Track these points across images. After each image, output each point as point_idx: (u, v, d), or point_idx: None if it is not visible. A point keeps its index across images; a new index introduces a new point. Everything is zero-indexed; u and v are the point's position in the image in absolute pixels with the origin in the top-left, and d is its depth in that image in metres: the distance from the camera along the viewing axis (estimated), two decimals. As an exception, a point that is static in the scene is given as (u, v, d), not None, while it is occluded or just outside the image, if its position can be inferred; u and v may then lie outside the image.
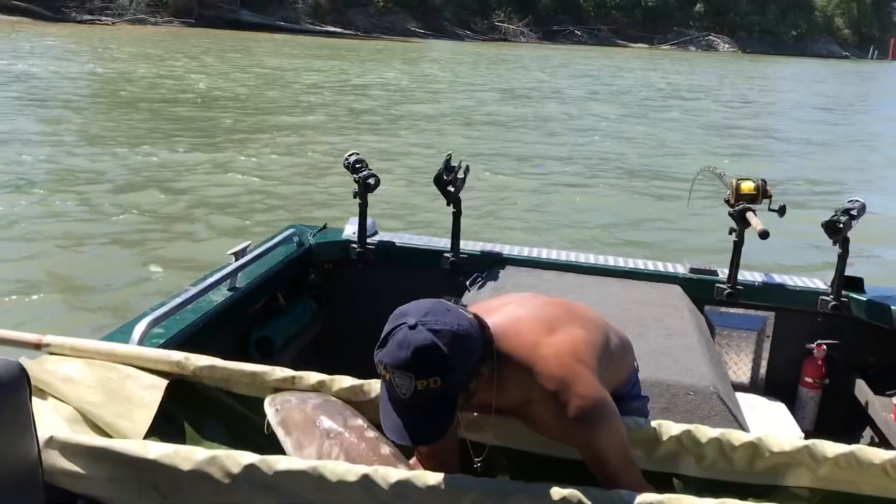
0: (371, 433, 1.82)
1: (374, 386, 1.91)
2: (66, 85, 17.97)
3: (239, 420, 1.97)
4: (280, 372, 1.97)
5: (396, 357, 1.49)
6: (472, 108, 18.39)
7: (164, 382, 1.91)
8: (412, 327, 1.50)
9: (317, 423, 1.81)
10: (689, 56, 59.17)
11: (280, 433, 1.82)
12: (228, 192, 9.31)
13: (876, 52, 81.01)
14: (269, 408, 1.87)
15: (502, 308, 1.80)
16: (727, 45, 72.65)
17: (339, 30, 51.69)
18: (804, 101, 26.81)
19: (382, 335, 1.54)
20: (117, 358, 1.96)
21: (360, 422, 1.85)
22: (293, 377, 1.96)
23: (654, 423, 1.84)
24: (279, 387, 1.96)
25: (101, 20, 43.32)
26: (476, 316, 1.62)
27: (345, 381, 1.94)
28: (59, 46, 27.70)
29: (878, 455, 1.75)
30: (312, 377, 1.96)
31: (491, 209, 9.08)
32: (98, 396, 1.82)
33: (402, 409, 1.54)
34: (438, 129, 15.11)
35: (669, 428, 1.83)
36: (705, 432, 1.81)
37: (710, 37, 73.35)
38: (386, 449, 1.80)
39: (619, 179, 11.57)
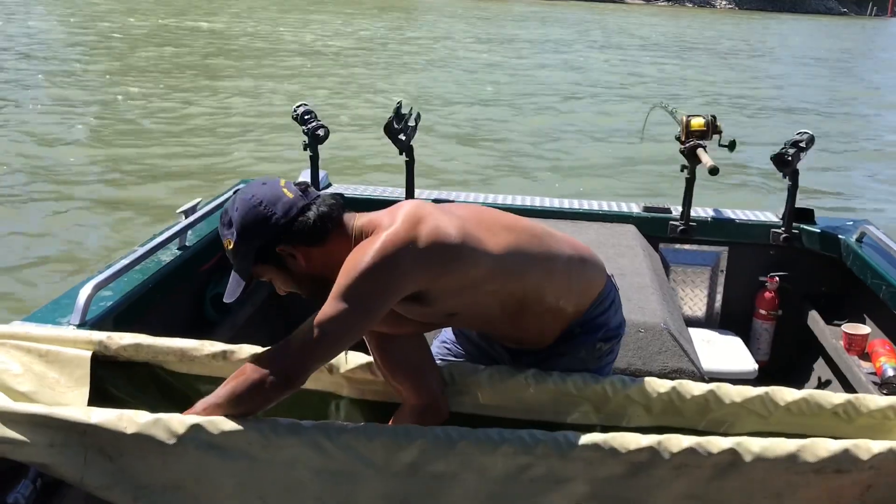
0: None
1: None
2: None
3: (174, 392, 1.91)
4: (210, 347, 1.89)
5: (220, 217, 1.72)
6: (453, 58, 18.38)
7: (87, 355, 1.85)
8: (234, 192, 1.76)
9: None
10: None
11: None
12: (176, 151, 8.87)
13: (875, 8, 79.45)
14: None
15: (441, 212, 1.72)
16: (724, 2, 71.62)
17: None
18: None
19: None
20: (34, 340, 1.87)
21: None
22: (224, 352, 1.89)
23: (603, 381, 1.82)
24: (210, 363, 1.89)
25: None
26: (321, 208, 1.65)
27: None
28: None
29: (829, 400, 1.76)
30: (245, 350, 1.90)
31: (454, 156, 8.95)
32: (28, 385, 1.78)
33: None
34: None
35: (620, 385, 1.81)
36: (655, 387, 1.80)
37: (708, -8, 72.25)
38: None
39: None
